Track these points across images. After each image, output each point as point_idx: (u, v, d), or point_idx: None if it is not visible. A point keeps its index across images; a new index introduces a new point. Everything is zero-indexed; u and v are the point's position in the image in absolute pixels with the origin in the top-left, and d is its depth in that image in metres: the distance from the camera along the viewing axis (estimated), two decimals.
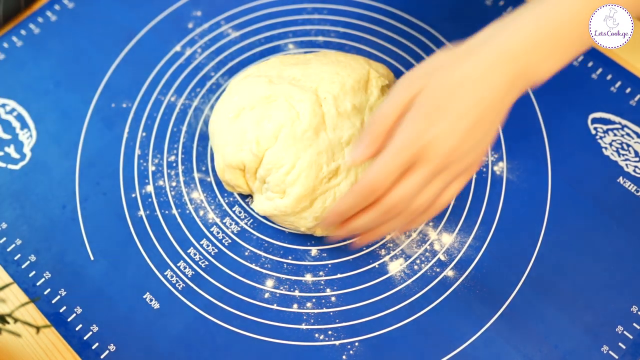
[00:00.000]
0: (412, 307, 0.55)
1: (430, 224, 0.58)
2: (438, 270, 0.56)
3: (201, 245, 0.58)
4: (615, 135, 0.61)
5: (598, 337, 0.53)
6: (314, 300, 0.56)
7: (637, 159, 0.60)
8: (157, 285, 0.56)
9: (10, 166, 0.62)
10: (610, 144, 0.61)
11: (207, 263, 0.57)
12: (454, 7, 0.68)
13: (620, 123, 0.61)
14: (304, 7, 0.69)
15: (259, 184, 0.56)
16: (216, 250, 0.58)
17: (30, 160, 0.62)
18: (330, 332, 0.54)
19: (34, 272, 0.57)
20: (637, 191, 0.59)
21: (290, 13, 0.68)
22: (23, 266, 0.58)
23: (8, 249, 0.58)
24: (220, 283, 0.57)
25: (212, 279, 0.57)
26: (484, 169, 0.60)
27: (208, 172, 0.61)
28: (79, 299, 0.56)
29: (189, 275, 0.57)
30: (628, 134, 0.61)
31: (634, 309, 0.54)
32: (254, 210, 0.59)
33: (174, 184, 0.61)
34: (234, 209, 0.60)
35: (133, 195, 0.60)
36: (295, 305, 0.55)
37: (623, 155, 0.60)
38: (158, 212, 0.60)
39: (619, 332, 0.54)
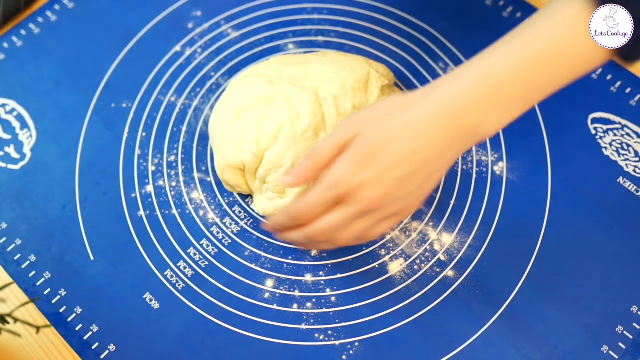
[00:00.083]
0: (412, 307, 0.55)
1: (431, 223, 0.58)
2: (438, 270, 0.56)
3: (201, 245, 0.58)
4: (615, 135, 0.61)
5: (598, 337, 0.53)
6: (314, 300, 0.56)
7: (637, 159, 0.60)
8: (157, 285, 0.56)
9: (10, 166, 0.62)
10: (610, 144, 0.61)
11: (207, 263, 0.57)
12: (454, 7, 0.68)
13: (620, 123, 0.61)
14: (304, 7, 0.69)
15: (259, 184, 0.56)
16: (216, 250, 0.58)
17: (30, 160, 0.62)
18: (330, 332, 0.54)
19: (34, 272, 0.57)
20: (637, 191, 0.59)
21: (290, 13, 0.68)
22: (23, 266, 0.58)
23: (8, 249, 0.58)
24: (220, 283, 0.57)
25: (212, 279, 0.57)
26: (484, 169, 0.60)
27: (208, 172, 0.61)
28: (79, 299, 0.56)
29: (189, 275, 0.57)
30: (628, 134, 0.61)
31: (634, 309, 0.54)
32: (254, 210, 0.59)
33: (174, 184, 0.61)
34: (234, 209, 0.60)
35: (133, 195, 0.60)
36: (295, 305, 0.55)
37: (623, 155, 0.60)
38: (158, 212, 0.60)
39: (619, 332, 0.54)
